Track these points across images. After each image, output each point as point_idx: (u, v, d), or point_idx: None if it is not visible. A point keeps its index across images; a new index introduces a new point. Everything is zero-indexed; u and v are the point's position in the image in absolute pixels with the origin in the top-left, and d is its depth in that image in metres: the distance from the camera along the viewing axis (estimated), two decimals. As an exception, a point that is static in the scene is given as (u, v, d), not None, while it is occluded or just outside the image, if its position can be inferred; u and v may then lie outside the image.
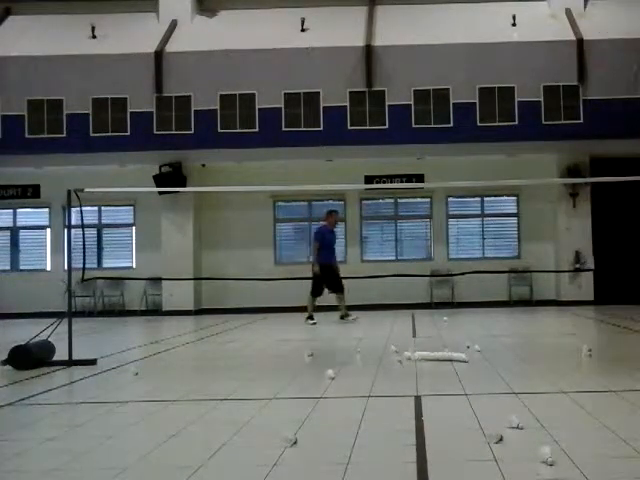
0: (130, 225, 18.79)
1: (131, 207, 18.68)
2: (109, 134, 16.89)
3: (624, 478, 3.31)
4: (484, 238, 18.38)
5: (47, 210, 18.70)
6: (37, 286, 17.96)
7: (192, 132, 16.84)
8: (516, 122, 16.45)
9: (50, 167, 17.59)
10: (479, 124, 16.47)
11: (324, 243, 13.46)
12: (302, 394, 5.72)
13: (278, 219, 18.69)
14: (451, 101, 16.55)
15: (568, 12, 17.31)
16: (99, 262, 18.63)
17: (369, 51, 16.65)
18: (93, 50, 17.18)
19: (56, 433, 4.55)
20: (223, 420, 4.81)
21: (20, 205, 18.82)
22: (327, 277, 13.29)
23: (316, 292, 13.40)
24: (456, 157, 17.22)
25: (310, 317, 13.18)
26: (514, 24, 17.18)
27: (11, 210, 18.86)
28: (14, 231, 18.98)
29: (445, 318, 13.14)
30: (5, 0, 18.79)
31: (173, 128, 16.87)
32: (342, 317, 13.43)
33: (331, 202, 18.58)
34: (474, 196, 18.32)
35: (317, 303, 13.54)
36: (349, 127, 16.64)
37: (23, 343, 7.61)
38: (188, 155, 17.18)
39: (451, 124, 16.52)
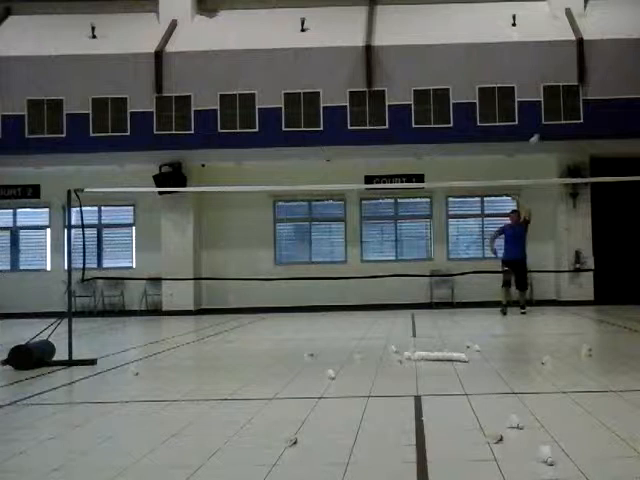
0: (130, 225, 18.79)
1: (131, 207, 18.67)
2: (109, 134, 16.88)
3: (624, 478, 3.31)
4: (484, 238, 18.35)
5: (47, 210, 18.69)
6: (37, 286, 17.96)
7: (192, 132, 16.83)
8: (516, 122, 16.45)
9: (50, 167, 17.59)
10: (479, 124, 16.46)
11: (505, 239, 14.30)
12: (302, 394, 5.71)
13: (278, 219, 18.68)
14: (451, 101, 16.54)
15: (568, 12, 17.30)
16: (99, 262, 18.62)
17: (369, 51, 16.64)
18: (93, 50, 17.18)
19: (56, 433, 4.55)
20: (223, 420, 4.80)
21: (20, 205, 18.82)
22: (515, 273, 14.11)
23: (503, 283, 14.29)
24: (456, 157, 17.21)
25: (504, 305, 14.07)
26: (514, 24, 17.17)
27: (11, 210, 18.86)
28: (14, 231, 18.98)
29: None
30: (5, 0, 18.80)
31: (173, 128, 16.87)
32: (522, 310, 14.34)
33: (331, 202, 18.62)
34: (474, 196, 18.31)
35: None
36: (349, 127, 16.64)
37: (23, 343, 7.61)
38: (188, 155, 17.18)
39: (451, 124, 16.52)
